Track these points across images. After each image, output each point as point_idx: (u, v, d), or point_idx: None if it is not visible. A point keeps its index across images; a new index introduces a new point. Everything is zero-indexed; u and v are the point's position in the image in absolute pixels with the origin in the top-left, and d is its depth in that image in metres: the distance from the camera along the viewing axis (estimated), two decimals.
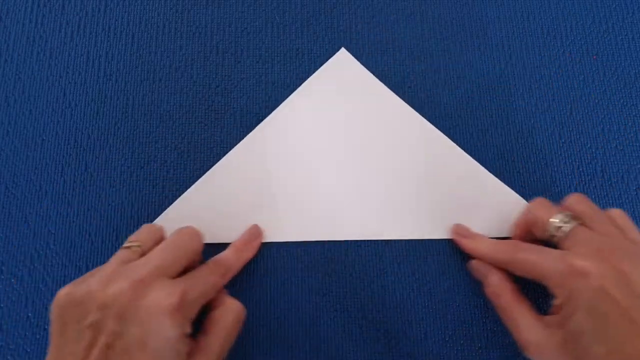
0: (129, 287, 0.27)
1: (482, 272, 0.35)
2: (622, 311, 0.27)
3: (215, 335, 0.30)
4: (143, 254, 0.30)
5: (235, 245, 0.35)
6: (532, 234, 0.34)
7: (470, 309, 0.36)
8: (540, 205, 0.33)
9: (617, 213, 0.33)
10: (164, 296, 0.27)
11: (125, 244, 0.31)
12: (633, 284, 0.28)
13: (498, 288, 0.33)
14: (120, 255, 0.30)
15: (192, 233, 0.32)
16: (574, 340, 0.28)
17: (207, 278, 0.31)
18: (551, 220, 0.32)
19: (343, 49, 0.41)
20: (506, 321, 0.32)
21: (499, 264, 0.34)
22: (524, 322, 0.31)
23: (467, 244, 0.36)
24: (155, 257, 0.29)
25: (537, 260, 0.30)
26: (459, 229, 0.37)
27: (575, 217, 0.32)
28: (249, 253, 0.36)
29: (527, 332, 0.31)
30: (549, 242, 0.32)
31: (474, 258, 0.36)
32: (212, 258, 0.34)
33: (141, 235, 0.33)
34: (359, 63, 0.41)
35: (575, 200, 0.33)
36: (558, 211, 0.32)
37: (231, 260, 0.34)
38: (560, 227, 0.31)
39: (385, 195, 0.37)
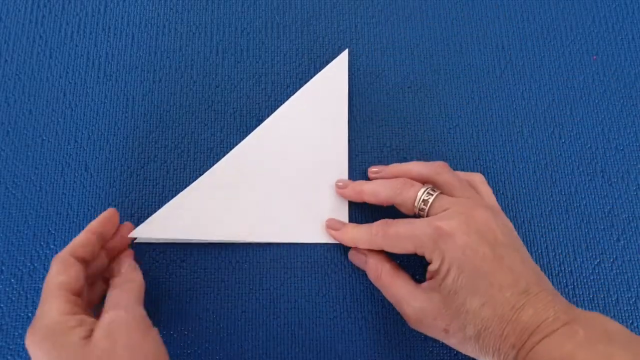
0: None
1: (360, 259, 0.35)
2: (491, 261, 0.29)
3: None
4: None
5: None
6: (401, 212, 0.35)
7: None
8: (404, 185, 0.34)
9: (477, 178, 0.35)
10: None
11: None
12: (496, 232, 0.30)
13: (376, 269, 0.34)
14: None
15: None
16: (451, 299, 0.29)
17: None
18: (418, 195, 0.32)
19: (346, 51, 0.40)
20: (390, 298, 0.33)
21: (376, 246, 0.34)
22: (403, 292, 0.32)
23: (339, 235, 0.36)
24: None
25: (407, 230, 0.31)
26: (330, 222, 0.37)
27: (436, 188, 0.33)
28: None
29: (408, 301, 0.31)
30: (418, 216, 0.33)
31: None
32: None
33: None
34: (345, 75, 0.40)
35: (436, 172, 0.34)
36: (421, 187, 0.33)
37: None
38: (426, 200, 0.32)
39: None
